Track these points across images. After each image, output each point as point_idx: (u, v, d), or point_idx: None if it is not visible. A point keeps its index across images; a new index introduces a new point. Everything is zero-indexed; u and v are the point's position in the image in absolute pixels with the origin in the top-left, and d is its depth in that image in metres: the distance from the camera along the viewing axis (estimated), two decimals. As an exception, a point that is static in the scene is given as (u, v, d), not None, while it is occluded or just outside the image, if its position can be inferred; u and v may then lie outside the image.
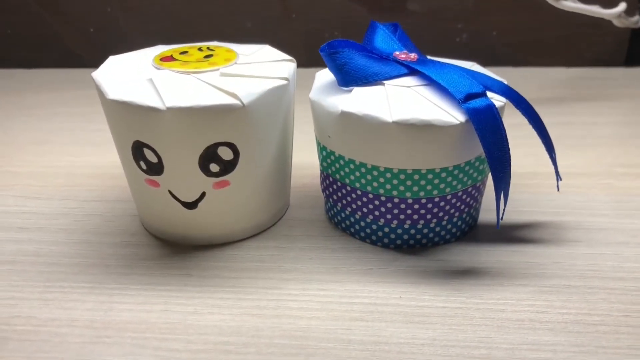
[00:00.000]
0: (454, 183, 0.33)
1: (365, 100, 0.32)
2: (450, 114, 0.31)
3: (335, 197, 0.36)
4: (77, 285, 0.32)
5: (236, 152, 0.32)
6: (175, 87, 0.31)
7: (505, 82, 0.34)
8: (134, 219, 0.38)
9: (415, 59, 0.34)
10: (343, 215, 0.36)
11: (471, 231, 0.37)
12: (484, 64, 0.40)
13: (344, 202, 0.35)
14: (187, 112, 0.30)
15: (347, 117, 0.32)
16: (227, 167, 0.32)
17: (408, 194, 0.33)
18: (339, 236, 0.36)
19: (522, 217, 0.38)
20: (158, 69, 0.33)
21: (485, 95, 0.31)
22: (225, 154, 0.32)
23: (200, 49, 0.36)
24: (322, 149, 0.35)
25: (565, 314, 0.30)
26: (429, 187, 0.32)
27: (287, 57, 0.36)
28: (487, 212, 0.38)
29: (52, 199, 0.41)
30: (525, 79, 0.64)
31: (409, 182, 0.32)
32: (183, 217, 0.34)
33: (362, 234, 0.36)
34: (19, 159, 0.47)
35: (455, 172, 0.32)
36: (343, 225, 0.36)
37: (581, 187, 0.41)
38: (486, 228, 0.37)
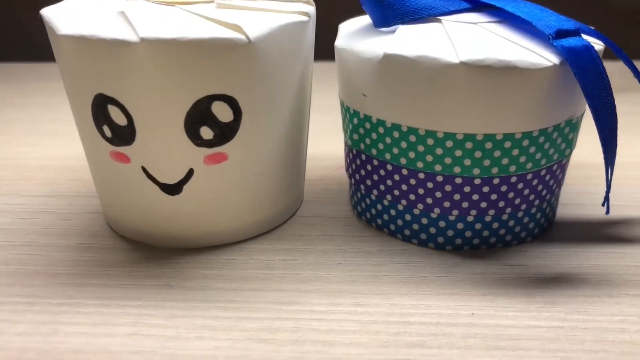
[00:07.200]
0: (538, 156, 0.24)
1: (416, 40, 0.23)
2: (539, 54, 0.22)
3: (368, 181, 0.27)
4: (9, 301, 0.23)
5: (237, 111, 0.23)
6: (155, 19, 0.22)
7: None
8: (97, 217, 0.29)
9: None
10: (379, 207, 0.27)
11: (549, 229, 0.28)
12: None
13: (382, 187, 0.26)
14: (169, 47, 0.21)
15: (392, 63, 0.23)
16: (225, 132, 0.23)
17: (476, 171, 0.24)
18: (374, 236, 0.27)
19: (606, 213, 0.29)
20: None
21: (580, 34, 0.23)
22: (223, 113, 0.23)
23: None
24: (352, 115, 0.26)
25: None
26: (504, 161, 0.23)
27: None
28: (562, 207, 0.29)
29: (-11, 195, 0.31)
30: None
31: (477, 154, 0.23)
32: (161, 207, 0.25)
33: (407, 232, 0.26)
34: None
35: (541, 139, 0.23)
36: (378, 221, 0.27)
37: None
38: (565, 226, 0.28)
